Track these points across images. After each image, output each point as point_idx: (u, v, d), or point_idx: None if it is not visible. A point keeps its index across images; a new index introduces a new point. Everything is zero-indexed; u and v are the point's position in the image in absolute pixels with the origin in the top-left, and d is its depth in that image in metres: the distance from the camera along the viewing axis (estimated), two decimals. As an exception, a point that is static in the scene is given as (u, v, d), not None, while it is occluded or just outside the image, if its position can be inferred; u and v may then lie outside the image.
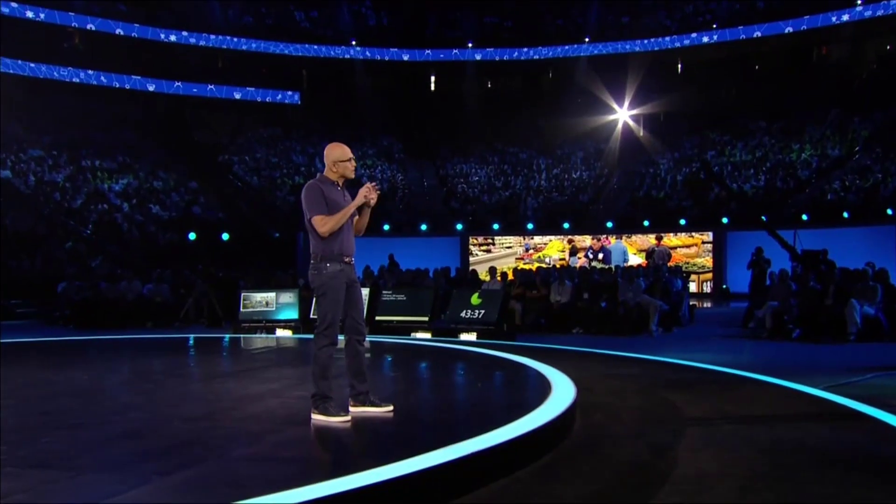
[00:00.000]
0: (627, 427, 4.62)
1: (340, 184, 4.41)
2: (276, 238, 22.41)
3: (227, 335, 10.76)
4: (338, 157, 4.39)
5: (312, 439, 3.96)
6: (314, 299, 4.35)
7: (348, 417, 4.17)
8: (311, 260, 4.31)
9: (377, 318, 10.74)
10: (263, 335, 10.79)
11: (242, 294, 11.55)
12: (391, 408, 4.40)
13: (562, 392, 4.97)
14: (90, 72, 27.12)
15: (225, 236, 20.47)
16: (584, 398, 5.12)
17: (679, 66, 31.45)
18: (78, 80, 26.81)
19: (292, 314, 11.26)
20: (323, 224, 4.21)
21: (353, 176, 4.45)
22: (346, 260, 4.31)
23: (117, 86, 27.67)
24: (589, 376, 6.35)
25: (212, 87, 29.93)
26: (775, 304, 10.53)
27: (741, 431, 4.46)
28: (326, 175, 4.41)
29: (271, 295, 11.45)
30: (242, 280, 14.82)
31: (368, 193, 4.24)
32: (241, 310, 11.35)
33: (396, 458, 3.22)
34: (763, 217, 17.30)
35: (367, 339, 4.49)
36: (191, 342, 9.99)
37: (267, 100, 31.15)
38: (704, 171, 22.40)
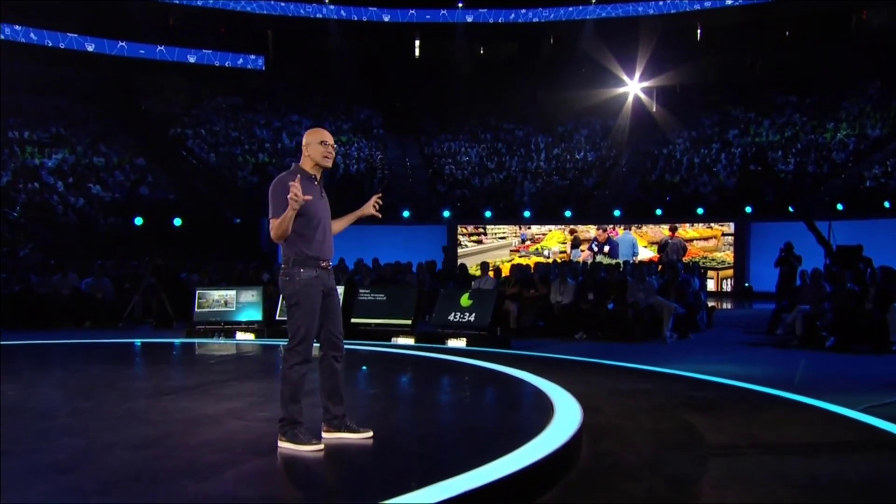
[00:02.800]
0: (642, 456, 4.59)
1: (318, 176, 4.34)
2: (236, 224, 22.26)
3: (179, 339, 10.64)
4: (310, 140, 4.34)
5: (279, 472, 3.88)
6: (286, 307, 4.27)
7: (321, 446, 4.12)
8: (282, 265, 4.27)
9: (353, 320, 10.67)
10: (222, 340, 10.69)
11: (197, 291, 11.44)
12: (370, 434, 4.36)
13: (566, 414, 4.96)
14: (17, 27, 26.65)
15: (177, 222, 20.31)
16: (591, 419, 5.10)
17: (698, 31, 31.51)
18: (3, 37, 26.33)
19: (255, 315, 11.16)
20: (273, 229, 4.17)
21: (327, 164, 4.35)
22: (323, 265, 4.27)
23: (50, 44, 27.23)
24: (595, 393, 6.37)
25: (162, 48, 29.56)
26: (806, 307, 10.57)
27: (772, 463, 4.44)
28: (301, 165, 4.34)
29: (231, 293, 11.35)
30: (197, 274, 14.73)
31: (293, 197, 4.00)
32: (196, 309, 11.25)
33: (376, 496, 3.18)
34: (790, 207, 17.38)
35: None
36: (136, 347, 9.85)
37: (226, 64, 30.84)
38: (757, 161, 21.96)
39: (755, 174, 22.13)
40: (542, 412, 5.04)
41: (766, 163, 21.81)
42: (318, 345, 4.35)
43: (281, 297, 11.16)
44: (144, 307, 13.53)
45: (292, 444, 4.08)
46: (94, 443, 4.33)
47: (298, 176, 4.20)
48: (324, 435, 4.29)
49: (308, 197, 4.11)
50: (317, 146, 4.29)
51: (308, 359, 4.18)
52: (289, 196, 4.00)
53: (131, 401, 5.78)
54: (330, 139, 4.35)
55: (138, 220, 20.04)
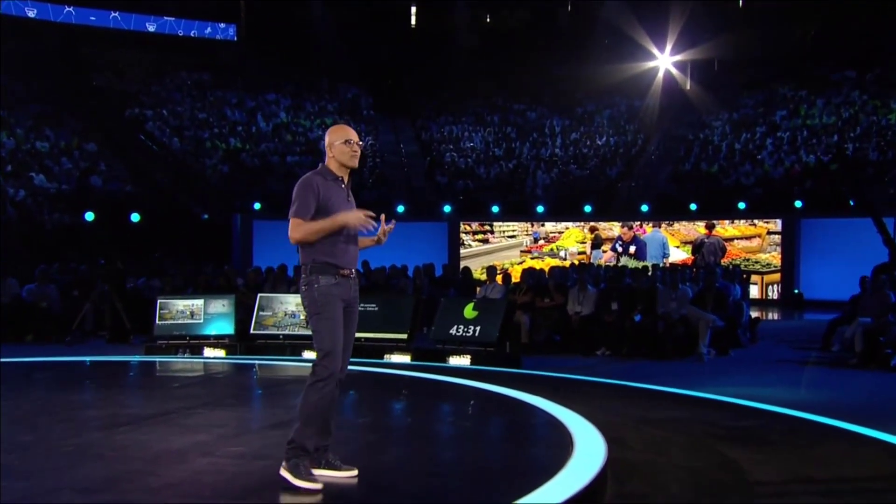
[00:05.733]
0: (675, 499, 4.62)
1: (345, 178, 4.57)
2: (204, 221, 22.22)
3: (137, 357, 10.62)
4: (333, 138, 4.58)
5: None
6: (308, 320, 4.55)
7: (319, 485, 4.22)
8: (301, 273, 4.48)
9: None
10: (187, 357, 10.67)
11: (159, 300, 11.43)
12: (354, 472, 4.45)
13: (587, 449, 5.00)
14: (-52, -9, 26.63)
15: (135, 218, 20.28)
16: (617, 454, 5.14)
17: (740, -4, 31.49)
18: (-70, 3, 26.35)
19: (226, 328, 11.13)
20: (295, 228, 4.36)
21: (354, 164, 4.59)
22: (345, 272, 4.47)
23: (-15, 10, 27.20)
24: (620, 422, 6.41)
25: (116, 14, 29.56)
26: (867, 319, 10.55)
27: (829, 508, 4.44)
28: (327, 165, 4.58)
29: (198, 302, 11.33)
30: (159, 279, 14.71)
31: (360, 222, 4.43)
32: (158, 321, 11.24)
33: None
34: (851, 201, 17.35)
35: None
36: (87, 367, 9.83)
37: (192, 34, 30.83)
38: (840, 161, 21.62)
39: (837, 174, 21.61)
40: (559, 446, 5.08)
41: (849, 161, 21.21)
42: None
43: (256, 307, 11.18)
44: (96, 318, 13.53)
45: (291, 476, 4.21)
46: (37, 485, 4.33)
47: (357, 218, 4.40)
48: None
49: (387, 227, 4.59)
50: (341, 146, 4.54)
51: (333, 373, 4.32)
52: (358, 213, 4.40)
53: (82, 433, 5.77)
54: (354, 136, 4.59)
55: (89, 216, 20.00)
